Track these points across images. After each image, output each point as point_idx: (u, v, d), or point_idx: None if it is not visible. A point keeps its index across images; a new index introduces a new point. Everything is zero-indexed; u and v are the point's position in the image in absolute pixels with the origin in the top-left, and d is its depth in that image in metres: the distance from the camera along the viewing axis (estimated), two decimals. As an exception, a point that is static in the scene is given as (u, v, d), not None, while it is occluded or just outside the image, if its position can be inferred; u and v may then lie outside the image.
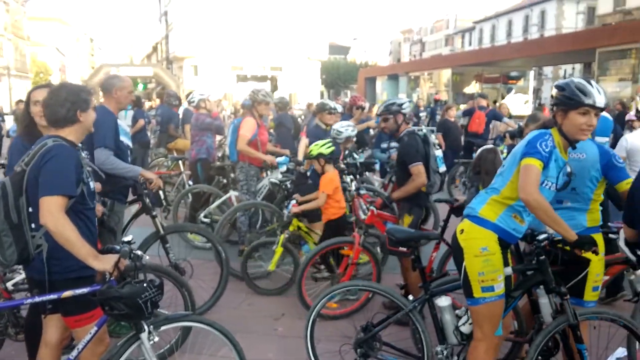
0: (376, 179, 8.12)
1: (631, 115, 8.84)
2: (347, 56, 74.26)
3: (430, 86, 40.48)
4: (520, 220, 2.81)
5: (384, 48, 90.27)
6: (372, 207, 4.89)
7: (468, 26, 65.04)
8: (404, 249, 3.34)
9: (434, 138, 4.58)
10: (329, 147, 4.93)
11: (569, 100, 2.69)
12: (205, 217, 6.67)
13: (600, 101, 2.68)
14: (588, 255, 2.77)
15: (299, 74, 46.20)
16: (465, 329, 3.09)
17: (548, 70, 46.73)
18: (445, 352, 3.13)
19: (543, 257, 2.86)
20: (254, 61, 44.85)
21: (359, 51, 79.61)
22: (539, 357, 2.88)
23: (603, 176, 3.13)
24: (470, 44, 63.58)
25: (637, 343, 3.01)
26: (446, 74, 36.78)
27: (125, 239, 2.72)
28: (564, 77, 42.65)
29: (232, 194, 6.58)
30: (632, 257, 3.11)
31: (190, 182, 7.45)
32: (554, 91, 2.78)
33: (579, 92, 2.67)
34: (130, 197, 4.51)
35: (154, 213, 4.31)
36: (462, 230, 2.86)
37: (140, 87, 52.32)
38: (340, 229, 4.88)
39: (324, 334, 3.83)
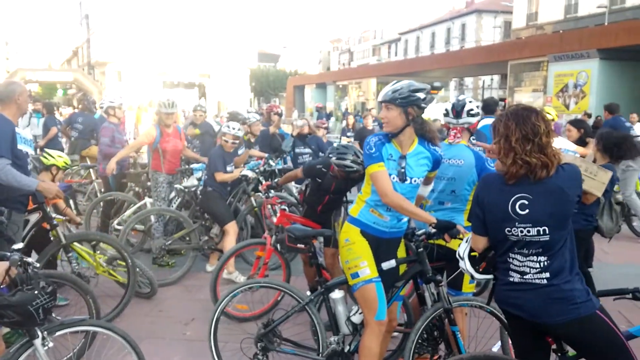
0: (294, 186, 8.29)
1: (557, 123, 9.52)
2: (276, 64, 74.48)
3: (359, 95, 41.39)
4: (379, 215, 3.09)
5: (314, 57, 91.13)
6: (282, 208, 5.04)
7: (394, 37, 67.06)
8: (302, 246, 3.56)
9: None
10: (64, 158, 5.18)
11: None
12: (119, 224, 6.57)
13: (379, 97, 3.11)
14: (454, 246, 3.02)
15: (228, 81, 45.83)
16: (355, 318, 3.33)
17: (469, 81, 49.03)
18: (338, 342, 3.33)
19: (421, 249, 3.15)
20: (182, 67, 44.04)
21: (289, 59, 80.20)
22: (424, 340, 3.17)
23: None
24: (396, 54, 65.56)
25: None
26: (373, 83, 37.78)
27: (15, 246, 2.70)
28: (482, 88, 45.01)
29: (147, 201, 6.54)
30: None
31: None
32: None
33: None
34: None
35: (55, 222, 4.24)
36: (341, 228, 3.19)
37: (60, 92, 50.26)
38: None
39: (231, 336, 3.93)
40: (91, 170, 7.57)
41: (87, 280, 4.25)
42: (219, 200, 5.77)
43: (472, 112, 3.66)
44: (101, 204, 6.89)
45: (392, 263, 3.08)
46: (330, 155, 4.44)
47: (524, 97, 26.17)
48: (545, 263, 2.32)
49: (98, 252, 4.85)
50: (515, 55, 24.16)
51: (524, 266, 2.37)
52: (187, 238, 6.00)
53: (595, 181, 3.91)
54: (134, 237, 6.73)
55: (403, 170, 3.02)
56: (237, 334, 3.89)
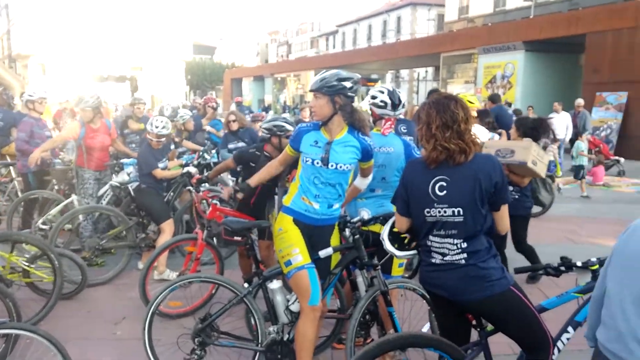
0: (230, 178, 8.20)
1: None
2: (213, 56, 73.20)
3: (298, 87, 41.35)
4: (309, 202, 3.11)
5: (251, 49, 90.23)
6: (213, 202, 4.95)
7: (332, 30, 67.41)
8: (239, 238, 3.49)
9: None
10: None
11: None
12: (44, 223, 6.27)
13: (309, 86, 3.26)
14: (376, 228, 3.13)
15: (161, 74, 44.63)
16: (294, 307, 3.34)
17: (404, 73, 50.04)
18: (277, 331, 3.33)
19: (357, 236, 3.23)
20: (112, 60, 42.44)
21: (226, 52, 78.98)
22: (359, 328, 3.20)
23: None
24: (334, 46, 65.97)
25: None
26: (312, 76, 37.86)
27: None
28: (417, 80, 46.07)
29: (74, 198, 6.26)
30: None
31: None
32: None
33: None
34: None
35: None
36: (276, 218, 3.19)
37: (-21, 87, 47.36)
38: None
39: (165, 333, 3.83)
40: (11, 168, 7.15)
41: (9, 283, 4.02)
42: (154, 197, 5.60)
43: (403, 104, 3.86)
44: (22, 203, 6.54)
45: (329, 251, 3.13)
46: (262, 126, 4.64)
47: (456, 88, 26.95)
48: (463, 245, 2.44)
49: (15, 252, 4.59)
50: (447, 48, 24.83)
51: (443, 247, 2.48)
52: (124, 235, 5.79)
53: (542, 164, 4.29)
54: (60, 237, 6.45)
55: (327, 155, 3.08)
56: (173, 330, 3.82)
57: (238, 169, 5.05)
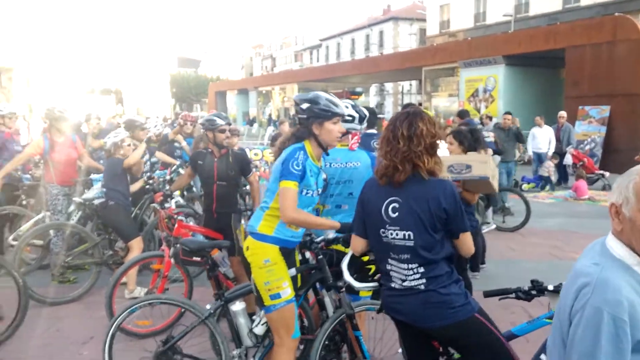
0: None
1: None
2: (198, 69, 73.14)
3: (284, 99, 41.35)
4: (295, 228, 3.02)
5: (236, 62, 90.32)
6: (179, 219, 4.89)
7: (315, 43, 67.75)
8: (197, 259, 3.42)
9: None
10: None
11: (324, 112, 2.94)
12: (14, 240, 6.14)
13: (345, 111, 3.06)
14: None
15: (146, 87, 44.53)
16: (258, 330, 3.25)
17: (389, 86, 50.38)
18: (240, 355, 3.24)
19: (321, 256, 3.15)
20: (97, 73, 42.24)
21: (211, 65, 79.00)
22: (326, 347, 3.14)
23: None
24: (317, 60, 66.25)
25: None
26: (295, 89, 37.95)
27: None
28: (402, 93, 46.39)
29: (46, 214, 6.14)
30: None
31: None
32: (304, 105, 2.98)
33: (332, 105, 2.95)
34: None
35: None
36: (247, 247, 3.02)
37: (-40, 100, 46.73)
38: None
39: (127, 355, 3.73)
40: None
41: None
42: (122, 214, 5.47)
43: (367, 118, 3.85)
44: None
45: (292, 272, 3.04)
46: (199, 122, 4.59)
47: (440, 101, 27.22)
48: (420, 269, 2.35)
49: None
50: (428, 62, 25.02)
51: (401, 272, 2.39)
52: (90, 252, 5.68)
53: (496, 178, 4.15)
54: (33, 254, 6.32)
55: (319, 183, 3.04)
56: (136, 352, 3.71)
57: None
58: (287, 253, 3.02)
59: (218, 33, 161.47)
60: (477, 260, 5.86)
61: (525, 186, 12.69)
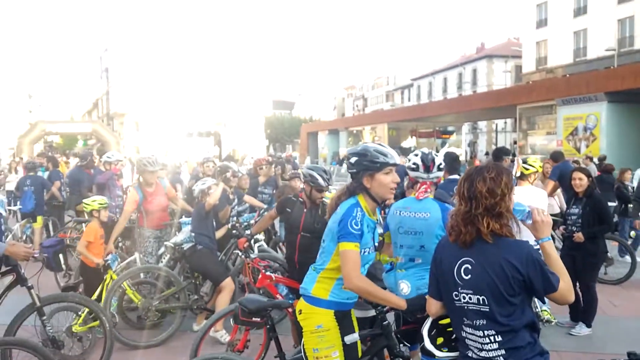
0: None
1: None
2: (292, 111, 75.66)
3: (374, 138, 41.57)
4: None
5: (328, 103, 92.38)
6: (263, 270, 4.93)
7: (407, 83, 67.85)
8: (257, 319, 3.35)
9: None
10: (97, 200, 5.75)
11: (373, 164, 2.82)
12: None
13: (397, 158, 2.84)
14: None
15: (243, 129, 46.64)
16: None
17: (482, 124, 49.08)
18: None
19: (387, 321, 2.98)
20: (198, 117, 44.99)
21: (304, 106, 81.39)
22: None
23: None
24: (409, 99, 66.17)
25: None
26: (385, 129, 38.07)
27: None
28: (496, 131, 44.96)
29: (137, 256, 6.50)
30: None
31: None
32: (353, 158, 2.86)
33: (380, 155, 2.82)
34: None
35: (30, 284, 4.21)
36: (300, 311, 2.91)
37: (80, 143, 51.52)
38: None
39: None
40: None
41: (60, 345, 4.18)
42: (211, 257, 5.60)
43: (440, 166, 3.64)
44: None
45: (355, 337, 2.87)
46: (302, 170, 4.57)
47: (538, 139, 26.09)
48: (497, 338, 2.19)
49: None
50: (523, 100, 24.17)
51: (477, 340, 2.25)
52: (177, 296, 5.88)
53: None
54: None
55: (375, 238, 2.91)
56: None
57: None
58: (342, 316, 2.88)
59: (312, 75, 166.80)
60: (590, 313, 5.52)
61: (632, 234, 11.66)
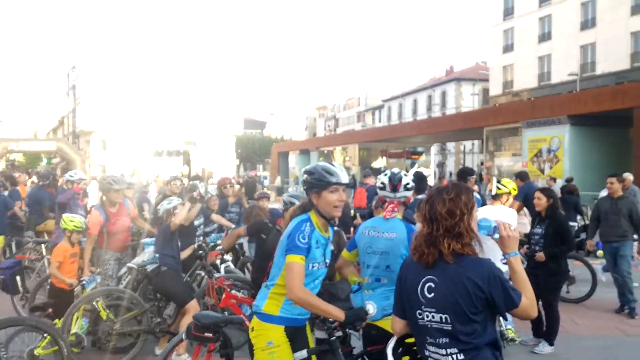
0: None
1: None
2: (263, 131, 75.64)
3: (346, 159, 41.73)
4: None
5: (300, 123, 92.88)
6: (227, 289, 4.86)
7: (378, 104, 68.74)
8: (210, 334, 3.31)
9: None
10: (74, 222, 5.50)
11: (320, 182, 2.87)
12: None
13: (344, 178, 2.90)
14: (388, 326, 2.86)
15: (213, 148, 46.27)
16: None
17: (451, 145, 49.90)
18: None
19: (334, 337, 2.98)
20: (167, 135, 44.46)
21: (276, 126, 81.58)
22: None
23: None
24: (380, 120, 66.98)
25: None
26: (356, 149, 38.29)
27: None
28: (464, 152, 45.79)
29: (97, 278, 6.30)
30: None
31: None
32: (304, 176, 2.95)
33: (326, 174, 2.87)
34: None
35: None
36: (252, 328, 2.90)
37: (44, 161, 50.33)
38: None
39: None
40: (42, 245, 7.36)
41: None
42: (176, 278, 5.45)
43: (408, 185, 3.65)
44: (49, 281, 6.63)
45: (303, 354, 2.87)
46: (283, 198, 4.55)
47: (504, 160, 26.59)
48: (460, 356, 2.19)
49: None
50: (490, 122, 24.70)
51: (440, 358, 2.23)
52: (139, 319, 5.70)
53: None
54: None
55: (327, 254, 2.93)
56: None
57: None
58: (293, 332, 2.88)
59: (284, 95, 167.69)
60: (553, 331, 5.56)
61: (600, 253, 11.88)
